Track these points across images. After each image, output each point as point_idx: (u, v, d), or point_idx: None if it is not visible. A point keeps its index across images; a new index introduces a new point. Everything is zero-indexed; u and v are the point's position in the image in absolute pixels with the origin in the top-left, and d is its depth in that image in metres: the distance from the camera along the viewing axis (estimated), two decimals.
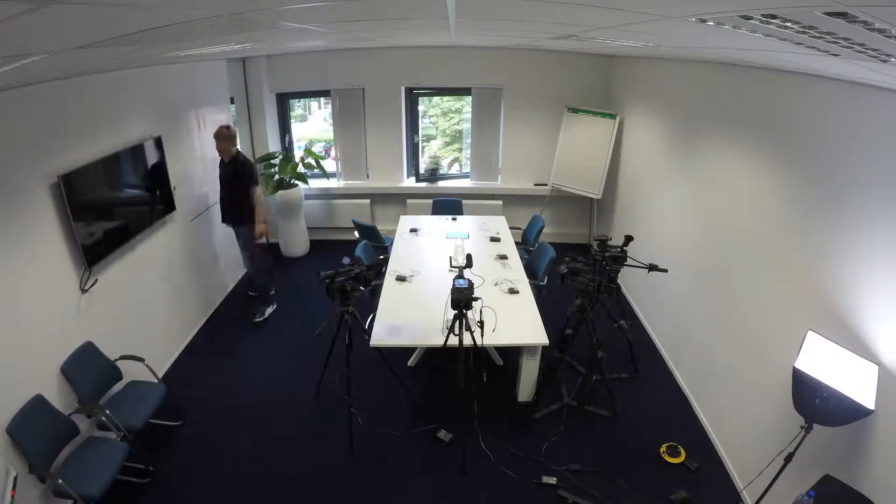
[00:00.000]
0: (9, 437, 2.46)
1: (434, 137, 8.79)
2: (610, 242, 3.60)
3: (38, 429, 2.60)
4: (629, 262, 3.53)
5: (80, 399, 2.90)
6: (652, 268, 3.52)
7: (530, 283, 4.04)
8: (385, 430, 3.46)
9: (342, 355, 3.31)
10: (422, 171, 6.66)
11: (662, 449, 3.14)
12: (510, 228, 5.17)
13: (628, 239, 3.57)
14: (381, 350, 3.51)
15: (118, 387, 3.25)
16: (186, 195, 4.36)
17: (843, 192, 2.28)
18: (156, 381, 3.45)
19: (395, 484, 3.12)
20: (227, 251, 5.39)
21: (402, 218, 5.44)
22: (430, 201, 5.86)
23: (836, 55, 1.49)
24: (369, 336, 3.39)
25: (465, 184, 6.52)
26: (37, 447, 2.55)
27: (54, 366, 2.87)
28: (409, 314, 3.62)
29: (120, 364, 3.27)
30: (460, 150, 8.00)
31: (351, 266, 3.29)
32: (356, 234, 4.76)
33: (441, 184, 6.58)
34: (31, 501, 2.58)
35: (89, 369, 3.04)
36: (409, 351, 4.08)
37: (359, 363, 4.11)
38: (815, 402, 2.17)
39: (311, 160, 5.94)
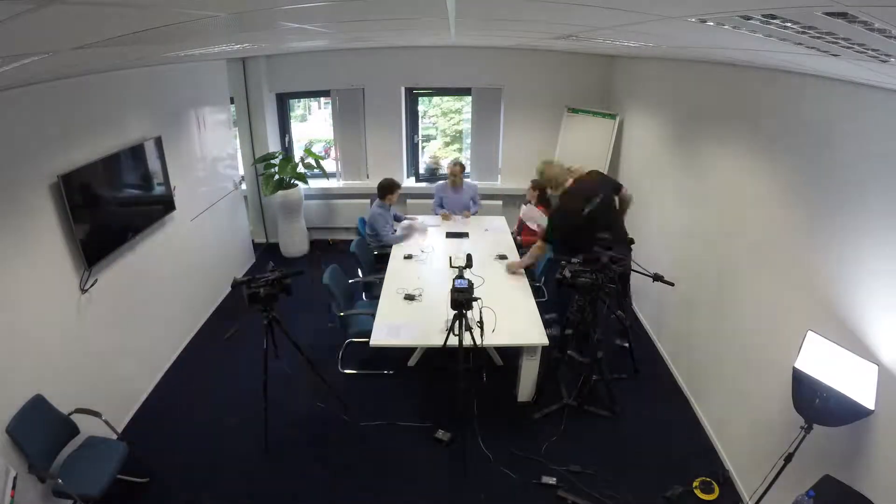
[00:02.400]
0: (9, 437, 2.46)
1: (434, 138, 8.79)
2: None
3: (37, 429, 2.60)
4: (634, 268, 3.51)
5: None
6: (657, 278, 3.45)
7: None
8: (378, 428, 3.46)
9: (265, 362, 3.24)
10: (422, 171, 6.66)
11: (695, 484, 3.09)
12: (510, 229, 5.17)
13: (629, 242, 3.56)
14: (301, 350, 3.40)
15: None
16: (187, 195, 4.36)
17: (842, 192, 2.28)
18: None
19: (393, 484, 3.12)
20: (227, 251, 5.40)
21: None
22: (431, 201, 5.85)
23: (836, 55, 1.49)
24: (292, 340, 3.36)
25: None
26: (36, 447, 2.55)
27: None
28: (409, 314, 3.62)
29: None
30: (460, 150, 8.00)
31: (269, 272, 3.20)
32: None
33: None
34: (31, 501, 2.58)
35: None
36: (409, 350, 4.08)
37: (358, 363, 4.14)
38: (815, 403, 2.16)
39: (310, 160, 5.94)
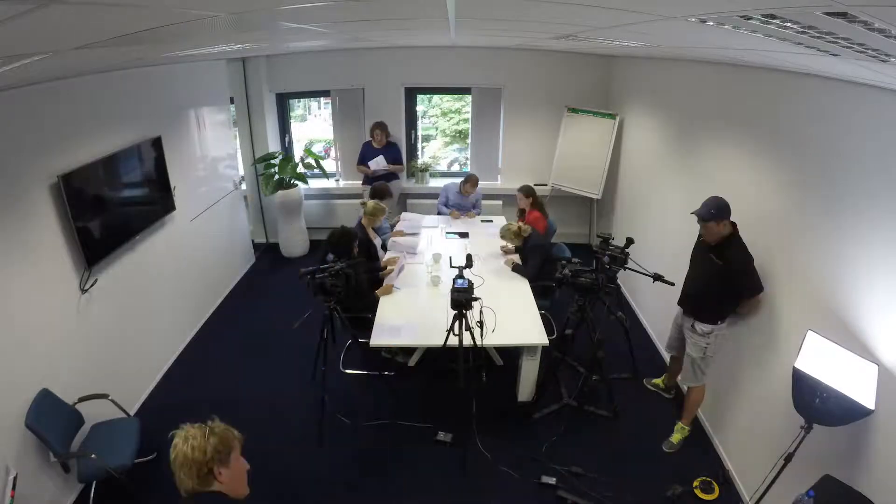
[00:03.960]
0: (30, 431, 2.53)
1: (434, 137, 8.79)
2: (612, 242, 3.60)
3: (51, 420, 2.66)
4: (634, 268, 3.51)
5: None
6: (657, 278, 3.43)
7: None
8: (379, 427, 3.46)
9: (325, 351, 3.35)
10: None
11: (695, 484, 3.10)
12: None
13: (629, 241, 3.56)
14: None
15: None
16: (186, 195, 4.35)
17: (842, 192, 2.28)
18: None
19: (394, 484, 3.12)
20: (227, 251, 5.40)
21: (404, 214, 5.47)
22: (429, 201, 5.86)
23: (836, 55, 1.49)
24: (352, 331, 3.44)
25: None
26: (56, 437, 2.63)
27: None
28: (409, 314, 3.63)
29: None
30: (461, 149, 8.00)
31: (332, 263, 3.29)
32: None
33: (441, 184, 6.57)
34: (50, 492, 2.67)
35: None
36: (409, 350, 4.07)
37: (355, 361, 4.15)
38: (814, 402, 2.17)
39: (310, 160, 5.94)
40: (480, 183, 6.32)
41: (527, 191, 4.88)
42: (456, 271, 3.11)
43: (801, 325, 2.36)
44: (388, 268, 4.16)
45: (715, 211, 2.84)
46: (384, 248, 4.81)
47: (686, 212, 3.93)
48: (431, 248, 4.64)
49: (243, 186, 5.89)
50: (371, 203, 4.28)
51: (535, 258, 4.15)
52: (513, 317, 3.49)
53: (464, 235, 4.99)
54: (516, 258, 4.43)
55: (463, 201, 5.53)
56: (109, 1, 1.08)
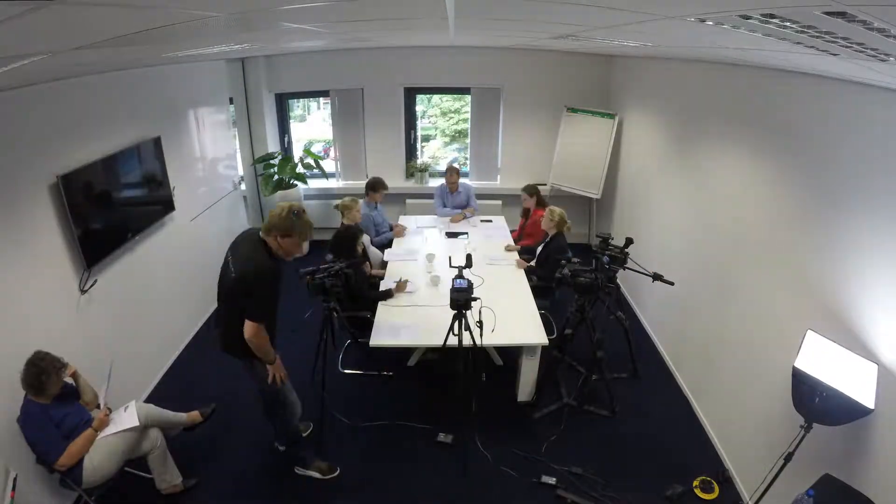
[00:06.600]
0: (19, 427, 2.49)
1: (434, 137, 8.79)
2: (611, 242, 3.60)
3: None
4: (633, 267, 3.51)
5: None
6: (656, 277, 3.44)
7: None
8: (379, 428, 3.46)
9: (325, 351, 3.35)
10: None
11: (696, 483, 3.10)
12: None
13: (629, 241, 3.57)
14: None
15: None
16: (186, 195, 4.35)
17: (842, 192, 2.28)
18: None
19: (394, 484, 3.12)
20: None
21: (402, 218, 5.46)
22: (429, 201, 5.86)
23: (835, 55, 1.49)
24: (351, 332, 3.45)
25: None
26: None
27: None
28: (409, 313, 3.63)
29: None
30: (460, 149, 8.00)
31: (332, 263, 3.29)
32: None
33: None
34: (50, 492, 2.64)
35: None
36: (408, 351, 4.07)
37: (354, 362, 4.14)
38: (814, 402, 2.17)
39: (310, 160, 5.94)
40: (480, 182, 6.37)
41: (530, 190, 4.88)
42: (456, 271, 3.11)
43: (800, 324, 2.36)
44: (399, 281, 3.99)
45: None
46: (389, 244, 4.85)
47: (686, 211, 3.94)
48: (427, 248, 4.64)
49: (243, 187, 5.89)
50: (346, 201, 4.27)
51: (554, 260, 4.03)
52: (512, 317, 3.49)
53: (463, 235, 4.99)
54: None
55: (455, 200, 5.50)
56: (109, 1, 1.08)
